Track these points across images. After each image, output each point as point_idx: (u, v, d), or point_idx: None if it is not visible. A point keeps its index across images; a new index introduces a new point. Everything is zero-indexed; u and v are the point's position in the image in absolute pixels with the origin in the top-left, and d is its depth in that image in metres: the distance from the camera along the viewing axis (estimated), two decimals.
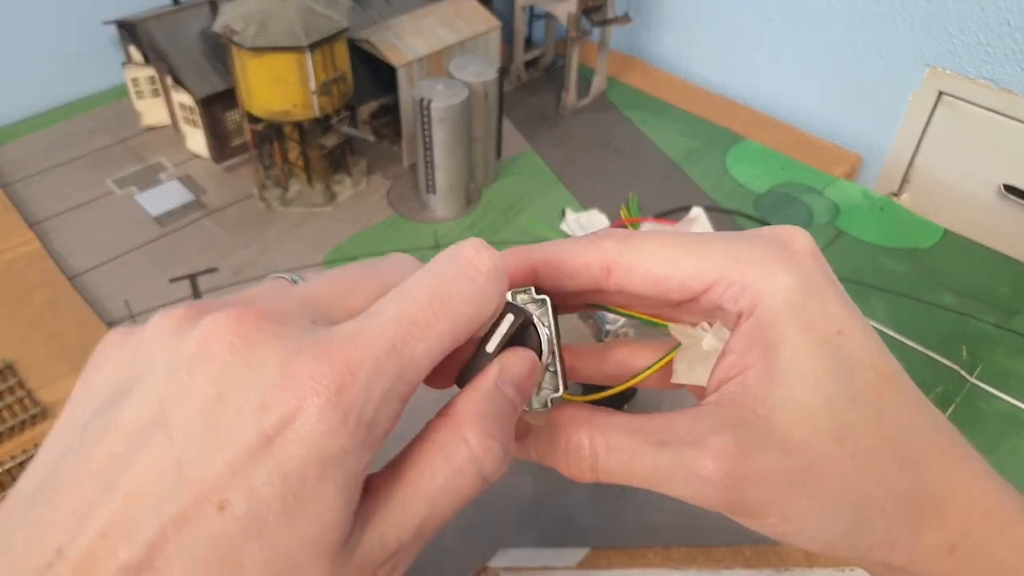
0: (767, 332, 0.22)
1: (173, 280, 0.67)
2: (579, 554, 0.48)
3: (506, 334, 0.23)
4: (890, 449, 0.22)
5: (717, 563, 0.47)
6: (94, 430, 0.19)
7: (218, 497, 0.17)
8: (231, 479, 0.17)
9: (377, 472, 0.21)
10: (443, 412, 0.22)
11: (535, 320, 0.24)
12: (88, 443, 0.18)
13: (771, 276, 0.22)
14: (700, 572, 0.47)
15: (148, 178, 0.78)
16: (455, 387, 0.24)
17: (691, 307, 0.25)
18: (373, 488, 0.20)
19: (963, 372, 0.60)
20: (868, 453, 0.22)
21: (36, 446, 0.52)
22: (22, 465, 0.51)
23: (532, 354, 0.23)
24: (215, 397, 0.18)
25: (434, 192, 0.74)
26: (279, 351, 0.18)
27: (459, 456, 0.21)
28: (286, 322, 0.19)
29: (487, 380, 0.22)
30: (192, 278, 0.67)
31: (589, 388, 0.28)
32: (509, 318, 0.23)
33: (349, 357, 0.19)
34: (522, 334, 0.23)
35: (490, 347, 0.23)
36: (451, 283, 0.21)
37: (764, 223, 0.74)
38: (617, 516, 0.50)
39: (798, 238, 0.24)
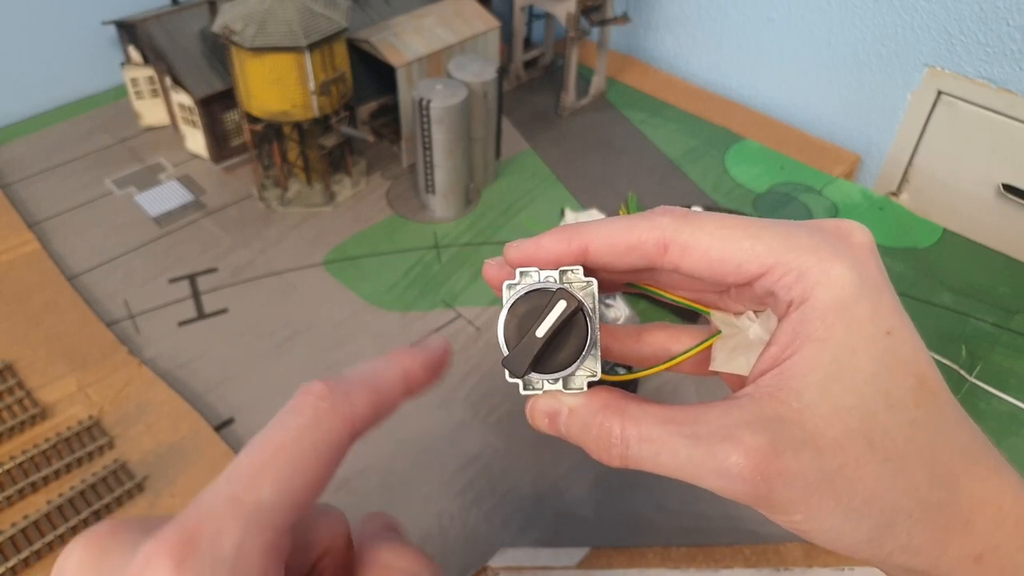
0: (814, 325, 0.22)
1: (172, 280, 0.67)
2: (579, 554, 0.48)
3: (557, 320, 0.23)
4: (922, 458, 0.22)
5: (717, 563, 0.47)
6: None
7: None
8: None
9: None
10: None
11: (585, 307, 0.24)
12: None
13: (827, 268, 0.22)
14: (700, 572, 0.47)
15: (147, 178, 0.78)
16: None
17: (742, 292, 0.25)
18: None
19: (962, 371, 0.60)
20: (900, 460, 0.21)
21: (35, 447, 0.52)
22: (21, 466, 0.51)
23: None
24: None
25: (433, 192, 0.74)
26: (126, 556, 0.19)
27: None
28: (140, 528, 0.19)
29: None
30: (191, 278, 0.67)
31: (615, 368, 0.28)
32: (561, 304, 0.23)
33: (186, 524, 0.18)
34: (570, 319, 0.23)
35: (540, 332, 0.23)
36: (279, 424, 0.21)
37: None
38: (617, 516, 0.50)
39: (857, 233, 0.24)
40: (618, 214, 0.74)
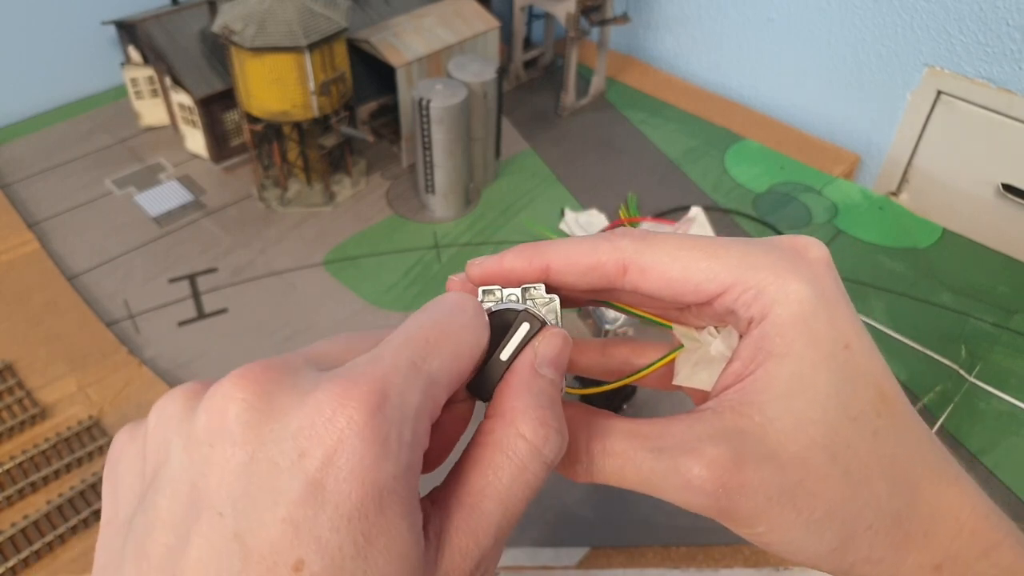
0: (774, 341, 0.22)
1: (172, 280, 0.67)
2: (579, 553, 0.48)
3: (522, 341, 0.23)
4: (883, 469, 0.22)
5: (717, 562, 0.47)
6: (139, 529, 0.18)
7: (291, 558, 0.16)
8: (296, 536, 0.17)
9: (440, 485, 0.21)
10: (491, 412, 0.22)
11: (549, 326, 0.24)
12: (138, 544, 0.18)
13: (784, 284, 0.22)
14: (700, 571, 0.47)
15: (147, 178, 0.78)
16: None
17: (702, 311, 0.25)
18: (440, 502, 0.20)
19: (962, 371, 0.60)
20: (861, 472, 0.22)
21: (35, 447, 0.52)
22: (21, 466, 0.51)
23: (559, 329, 0.24)
24: (247, 459, 0.17)
25: (433, 192, 0.74)
26: (297, 394, 0.18)
27: (520, 451, 0.21)
28: (296, 370, 0.19)
29: (524, 368, 0.23)
30: (191, 278, 0.67)
31: (585, 382, 0.28)
32: (525, 326, 0.23)
33: (375, 377, 0.18)
34: (534, 339, 0.24)
35: (504, 355, 0.23)
36: (446, 314, 0.22)
37: (763, 223, 0.74)
38: (617, 516, 0.50)
39: (813, 248, 0.24)
40: (618, 214, 0.74)
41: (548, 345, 0.23)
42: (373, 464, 0.17)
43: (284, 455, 0.17)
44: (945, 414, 0.57)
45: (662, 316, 0.27)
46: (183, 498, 0.18)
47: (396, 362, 0.19)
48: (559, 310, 0.24)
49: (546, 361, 0.23)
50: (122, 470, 0.20)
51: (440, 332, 0.21)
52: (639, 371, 0.27)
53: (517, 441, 0.21)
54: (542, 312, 0.24)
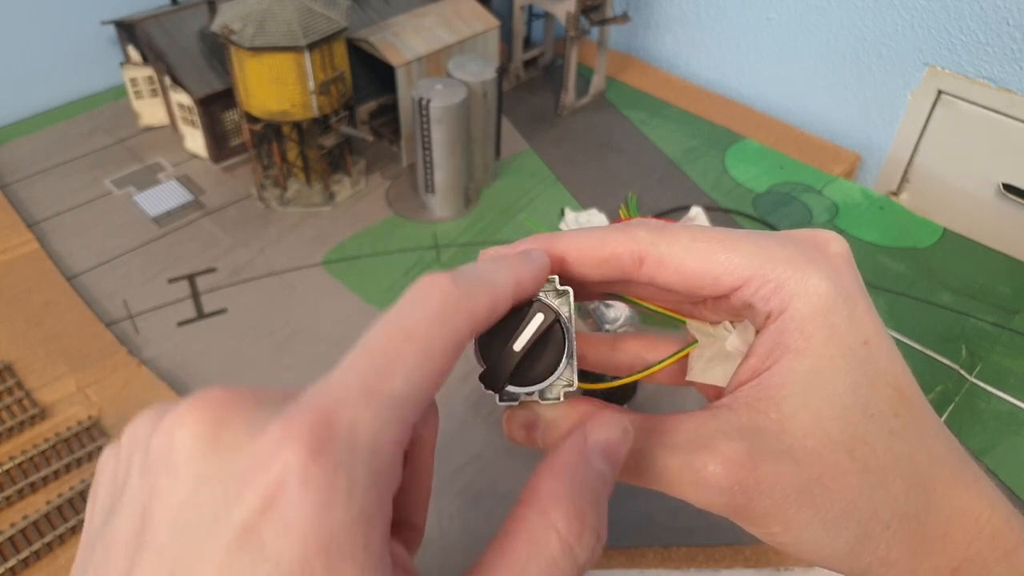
0: (793, 336, 0.22)
1: (172, 280, 0.67)
2: None
3: (535, 333, 0.23)
4: (900, 468, 0.22)
5: (717, 563, 0.47)
6: (100, 550, 0.18)
7: None
8: None
9: (466, 573, 0.19)
10: (526, 496, 0.20)
11: (562, 318, 0.23)
12: (99, 564, 0.18)
13: (804, 278, 0.22)
14: (700, 572, 0.47)
15: (146, 178, 0.78)
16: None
17: (718, 304, 0.24)
18: None
19: (962, 371, 0.60)
20: (878, 471, 0.21)
21: (35, 447, 0.52)
22: (21, 466, 0.51)
23: (621, 419, 0.22)
24: (189, 494, 0.16)
25: (433, 192, 0.74)
26: (247, 431, 0.17)
27: (550, 548, 0.19)
28: (259, 402, 0.18)
29: (572, 451, 0.21)
30: (191, 278, 0.67)
31: (587, 377, 0.28)
32: (539, 317, 0.23)
33: (318, 409, 0.16)
34: (547, 330, 0.23)
35: (518, 345, 0.23)
36: (406, 312, 0.19)
37: (763, 222, 0.74)
38: (617, 516, 0.50)
39: (833, 243, 0.24)
40: (618, 214, 0.74)
41: (605, 431, 0.21)
42: (316, 513, 0.16)
43: (223, 496, 0.16)
44: (946, 414, 0.57)
45: (676, 310, 0.26)
46: (136, 522, 0.17)
47: (345, 389, 0.17)
48: (572, 302, 0.24)
49: (600, 450, 0.21)
50: (100, 488, 0.20)
51: (402, 335, 0.18)
52: (651, 366, 0.27)
53: (548, 533, 0.19)
54: (555, 304, 0.23)
